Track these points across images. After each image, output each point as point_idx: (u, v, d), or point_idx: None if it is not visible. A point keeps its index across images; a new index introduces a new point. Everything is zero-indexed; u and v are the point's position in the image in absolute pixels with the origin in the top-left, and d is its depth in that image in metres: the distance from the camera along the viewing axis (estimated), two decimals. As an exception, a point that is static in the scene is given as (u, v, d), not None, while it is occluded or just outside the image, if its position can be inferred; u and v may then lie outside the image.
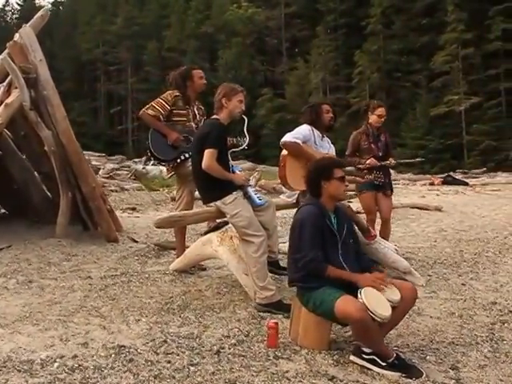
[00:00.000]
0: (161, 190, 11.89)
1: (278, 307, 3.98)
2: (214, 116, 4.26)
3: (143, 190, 11.47)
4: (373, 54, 46.33)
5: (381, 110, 5.83)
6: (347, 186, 3.64)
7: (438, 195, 13.81)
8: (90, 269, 5.07)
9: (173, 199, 10.25)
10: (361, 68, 46.43)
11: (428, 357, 3.35)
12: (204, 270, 5.08)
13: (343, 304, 3.05)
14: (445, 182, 20.09)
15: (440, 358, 3.34)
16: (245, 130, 4.68)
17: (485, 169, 32.26)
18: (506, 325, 3.98)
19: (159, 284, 4.61)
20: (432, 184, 19.49)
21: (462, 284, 5.06)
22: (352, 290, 3.17)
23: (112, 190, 9.97)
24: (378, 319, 3.04)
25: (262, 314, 3.94)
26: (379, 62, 46.51)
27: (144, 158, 18.22)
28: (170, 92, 5.02)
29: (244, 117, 4.46)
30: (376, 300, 3.09)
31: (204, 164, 4.03)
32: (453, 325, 3.96)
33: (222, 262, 4.93)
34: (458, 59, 41.81)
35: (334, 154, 5.23)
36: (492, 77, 41.30)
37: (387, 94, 46.14)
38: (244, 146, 4.68)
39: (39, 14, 6.18)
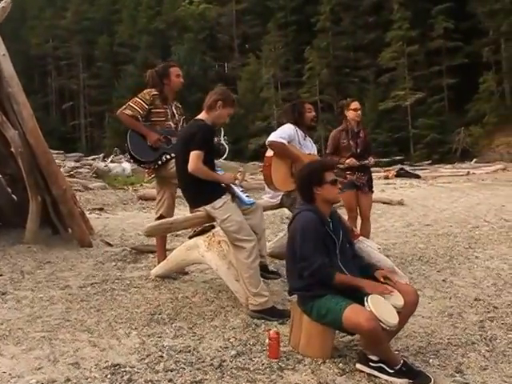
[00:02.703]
0: (126, 188, 11.50)
1: (272, 314, 3.87)
2: (199, 117, 4.09)
3: (107, 189, 11.06)
4: (322, 51, 46.93)
5: (354, 104, 5.88)
6: (340, 188, 3.55)
7: (395, 189, 14.07)
8: (67, 277, 4.79)
9: (140, 198, 10.00)
10: (311, 64, 46.92)
11: (431, 360, 3.32)
12: (186, 274, 4.90)
13: (352, 314, 2.96)
14: (398, 175, 20.55)
15: (443, 361, 3.31)
16: (222, 140, 4.59)
17: (430, 161, 33.33)
18: (494, 322, 4.02)
19: (143, 291, 4.39)
20: (386, 177, 19.88)
21: (443, 281, 5.10)
22: (355, 297, 3.11)
23: (76, 190, 9.50)
24: (387, 327, 2.97)
25: (255, 320, 3.82)
26: (328, 58, 47.16)
27: (102, 155, 17.68)
28: (147, 91, 4.79)
29: (221, 128, 4.39)
30: (383, 307, 3.02)
31: (190, 166, 3.86)
32: (445, 324, 3.96)
33: (205, 265, 4.80)
34: (404, 56, 42.99)
35: (316, 153, 5.19)
36: (435, 73, 42.81)
37: (336, 89, 46.98)
38: (225, 155, 4.59)
39: (0, 5, 5.75)
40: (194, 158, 3.84)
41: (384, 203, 10.45)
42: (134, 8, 58.42)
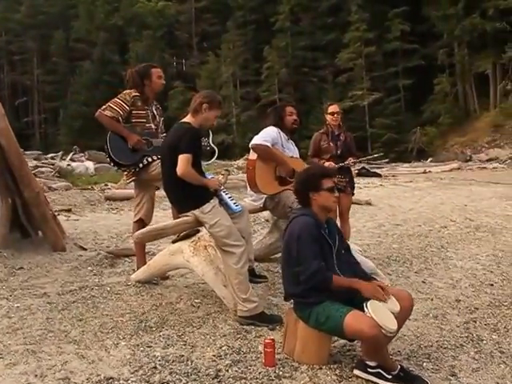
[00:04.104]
0: (90, 187, 11.16)
1: (262, 319, 3.80)
2: (185, 120, 4.00)
3: (72, 189, 10.69)
4: (281, 50, 47.22)
5: (332, 108, 5.90)
6: (337, 196, 3.53)
7: (360, 188, 14.22)
8: (43, 284, 4.56)
9: (107, 199, 9.73)
10: (270, 63, 47.11)
11: (424, 364, 3.33)
12: (167, 278, 4.77)
13: (353, 321, 2.92)
14: (359, 174, 20.84)
15: (436, 365, 3.33)
16: (211, 143, 4.49)
17: (387, 160, 34.04)
18: (478, 323, 4.09)
19: (125, 298, 4.23)
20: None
21: (423, 282, 5.16)
22: (352, 303, 3.08)
23: (40, 190, 9.10)
24: (388, 334, 2.97)
25: (245, 327, 3.75)
26: (287, 57, 47.51)
27: (61, 153, 17.11)
28: (127, 91, 4.60)
29: (209, 131, 4.31)
30: (382, 313, 3.00)
31: (179, 170, 3.75)
32: (432, 326, 3.99)
33: (186, 270, 4.70)
34: (361, 57, 43.74)
35: (299, 156, 5.17)
36: (392, 74, 43.82)
37: (295, 88, 47.37)
38: (214, 159, 4.51)
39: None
40: (183, 161, 3.73)
41: (353, 203, 10.51)
42: (91, 3, 57.19)
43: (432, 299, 4.63)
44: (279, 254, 5.63)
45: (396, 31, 42.35)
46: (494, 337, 3.84)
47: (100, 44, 51.74)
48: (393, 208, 10.46)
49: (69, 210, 8.24)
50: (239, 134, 45.17)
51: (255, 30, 50.02)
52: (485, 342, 3.74)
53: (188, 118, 3.98)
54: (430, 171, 25.07)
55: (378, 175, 20.96)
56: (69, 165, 14.31)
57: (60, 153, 17.72)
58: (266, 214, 5.77)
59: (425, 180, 18.82)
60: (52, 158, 16.55)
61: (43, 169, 13.19)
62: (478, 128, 38.11)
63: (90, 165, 14.33)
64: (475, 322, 4.12)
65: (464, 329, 3.97)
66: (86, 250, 5.77)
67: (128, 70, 4.78)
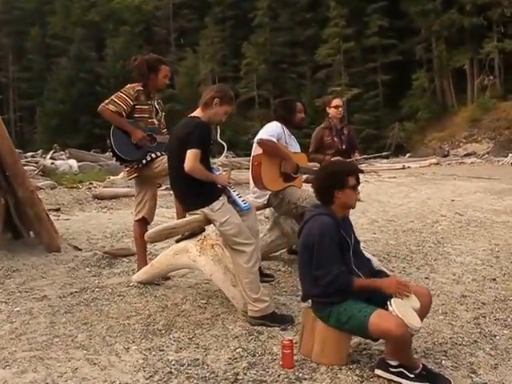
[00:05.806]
0: (76, 186, 10.89)
1: (273, 319, 3.70)
2: (194, 114, 3.87)
3: (58, 188, 10.41)
4: (260, 46, 47.25)
5: (336, 101, 5.84)
6: (359, 193, 3.47)
7: (347, 184, 14.21)
8: (42, 286, 4.38)
9: (95, 197, 9.49)
10: (248, 59, 47.06)
11: (443, 362, 3.27)
12: (168, 279, 4.63)
13: (379, 320, 2.85)
14: (342, 171, 20.85)
15: (454, 362, 3.28)
16: (219, 138, 4.37)
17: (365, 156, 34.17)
18: (487, 318, 4.05)
19: (129, 300, 4.08)
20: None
21: (426, 278, 5.12)
22: (372, 300, 3.01)
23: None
24: (413, 332, 2.91)
25: (256, 327, 3.64)
26: (266, 53, 47.54)
27: (40, 151, 16.73)
28: (131, 85, 4.43)
29: (217, 126, 4.19)
30: (407, 311, 2.93)
31: (187, 165, 3.63)
32: (443, 323, 3.95)
33: (186, 269, 4.59)
34: (340, 52, 43.99)
35: (300, 151, 5.08)
36: (370, 70, 44.18)
37: (274, 84, 47.40)
38: (223, 155, 4.38)
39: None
40: (191, 156, 3.61)
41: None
42: (67, -1, 56.26)
43: (438, 295, 4.58)
44: (280, 252, 5.57)
45: (374, 27, 42.72)
46: (505, 332, 3.81)
47: (77, 40, 50.85)
48: (382, 204, 10.44)
49: (58, 210, 8.01)
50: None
51: (234, 26, 49.92)
52: (498, 337, 3.70)
53: (197, 112, 3.86)
54: (408, 167, 25.27)
55: (361, 171, 21.02)
56: (52, 163, 13.99)
57: (40, 151, 17.35)
58: (265, 211, 5.66)
59: (407, 175, 18.92)
60: (32, 157, 16.18)
61: (25, 167, 12.80)
62: (456, 123, 38.63)
63: (74, 163, 14.10)
64: (484, 317, 4.08)
65: (475, 324, 3.93)
66: (81, 250, 5.58)
67: (138, 57, 4.59)
